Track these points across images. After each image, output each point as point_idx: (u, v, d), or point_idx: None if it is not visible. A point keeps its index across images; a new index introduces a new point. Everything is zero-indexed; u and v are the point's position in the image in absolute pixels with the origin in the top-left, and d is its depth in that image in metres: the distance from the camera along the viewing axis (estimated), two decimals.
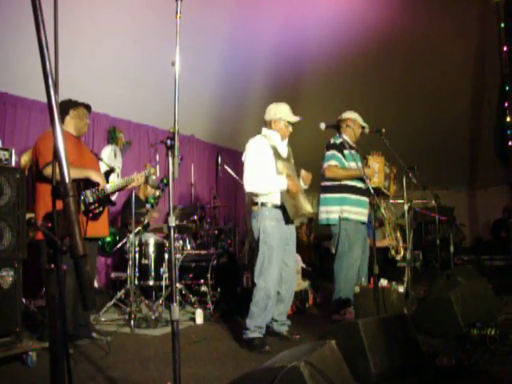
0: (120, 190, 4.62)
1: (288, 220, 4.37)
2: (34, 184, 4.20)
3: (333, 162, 5.22)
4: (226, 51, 7.82)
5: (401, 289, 4.76)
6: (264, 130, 4.51)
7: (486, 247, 10.79)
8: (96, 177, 4.18)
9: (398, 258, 6.80)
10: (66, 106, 4.29)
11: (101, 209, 4.27)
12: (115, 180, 4.68)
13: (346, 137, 5.24)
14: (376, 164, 5.19)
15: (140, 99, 7.61)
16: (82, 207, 4.10)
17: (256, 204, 4.32)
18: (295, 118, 4.50)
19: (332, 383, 2.33)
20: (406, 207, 5.20)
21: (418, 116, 9.69)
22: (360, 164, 4.90)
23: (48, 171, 3.89)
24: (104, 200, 4.29)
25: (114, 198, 4.59)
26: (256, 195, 4.31)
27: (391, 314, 4.15)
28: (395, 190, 5.55)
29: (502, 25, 8.18)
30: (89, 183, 4.16)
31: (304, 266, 6.66)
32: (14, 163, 3.76)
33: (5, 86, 6.10)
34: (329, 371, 2.38)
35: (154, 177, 4.76)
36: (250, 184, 4.26)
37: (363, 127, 5.37)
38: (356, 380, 2.72)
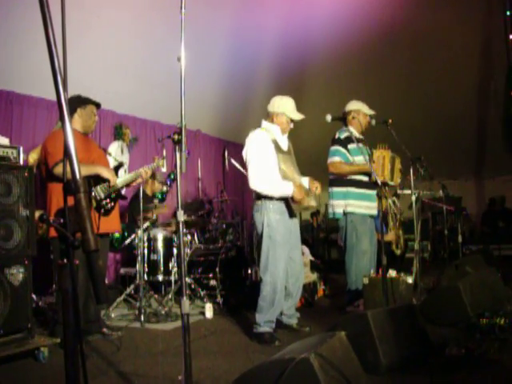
0: (129, 184, 4.62)
1: (292, 213, 4.32)
2: (44, 183, 4.20)
3: (336, 159, 5.20)
4: (231, 45, 7.80)
5: (409, 279, 4.77)
6: (264, 123, 4.42)
7: (494, 237, 10.74)
8: (106, 173, 4.16)
9: (398, 252, 6.79)
10: (74, 104, 4.22)
11: (112, 204, 4.27)
12: (124, 175, 4.68)
13: (352, 129, 5.20)
14: (382, 158, 5.16)
15: (146, 95, 7.62)
16: (94, 203, 4.10)
17: (260, 197, 4.27)
18: (298, 116, 4.40)
19: (342, 374, 2.34)
20: (413, 198, 5.18)
21: (425, 106, 9.64)
22: (367, 157, 4.86)
23: (58, 170, 3.87)
24: (115, 195, 4.29)
25: (122, 192, 4.60)
26: None
27: (400, 304, 4.15)
28: (399, 180, 5.51)
29: (508, 13, 8.13)
30: (99, 179, 4.15)
31: (312, 258, 6.66)
32: (22, 161, 3.77)
33: (11, 84, 6.11)
34: (339, 362, 2.39)
35: (163, 169, 4.73)
36: (256, 184, 4.17)
37: (371, 115, 5.31)
38: (366, 371, 2.73)
